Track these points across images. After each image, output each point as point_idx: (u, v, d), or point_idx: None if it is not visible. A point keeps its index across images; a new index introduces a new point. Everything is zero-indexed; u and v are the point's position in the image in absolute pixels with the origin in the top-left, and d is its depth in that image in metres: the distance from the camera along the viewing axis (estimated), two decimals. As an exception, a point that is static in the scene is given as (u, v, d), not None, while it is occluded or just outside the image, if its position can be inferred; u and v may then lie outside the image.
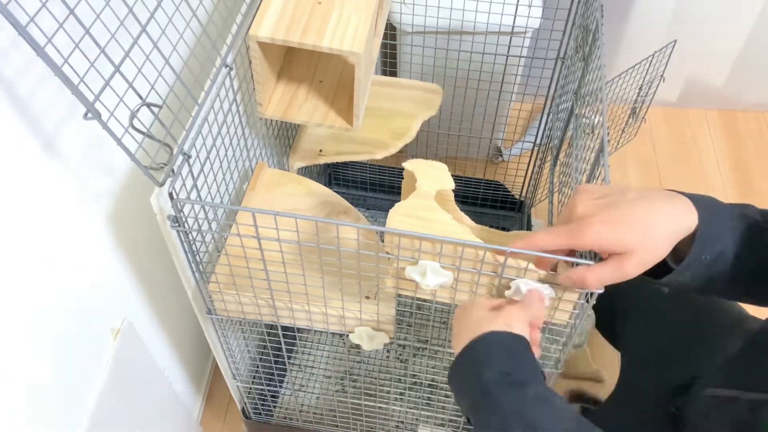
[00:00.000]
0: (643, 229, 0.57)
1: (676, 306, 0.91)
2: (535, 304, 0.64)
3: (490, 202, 1.44)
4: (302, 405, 1.20)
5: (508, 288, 0.66)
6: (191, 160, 0.68)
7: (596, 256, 0.61)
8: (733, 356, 0.72)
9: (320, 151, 1.09)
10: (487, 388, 0.58)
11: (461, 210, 0.75)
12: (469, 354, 0.62)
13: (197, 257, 0.74)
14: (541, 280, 0.64)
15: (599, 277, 0.58)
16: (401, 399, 1.22)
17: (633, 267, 0.57)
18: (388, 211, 0.68)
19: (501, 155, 1.61)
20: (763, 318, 0.68)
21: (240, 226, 0.68)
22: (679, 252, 0.60)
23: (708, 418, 0.69)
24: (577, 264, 0.60)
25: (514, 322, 0.62)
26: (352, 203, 0.93)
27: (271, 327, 1.13)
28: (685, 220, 0.59)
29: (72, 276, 0.74)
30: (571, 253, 0.63)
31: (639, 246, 0.56)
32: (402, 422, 1.20)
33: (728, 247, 0.59)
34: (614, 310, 0.99)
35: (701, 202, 0.59)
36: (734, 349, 0.73)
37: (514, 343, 0.61)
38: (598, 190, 0.61)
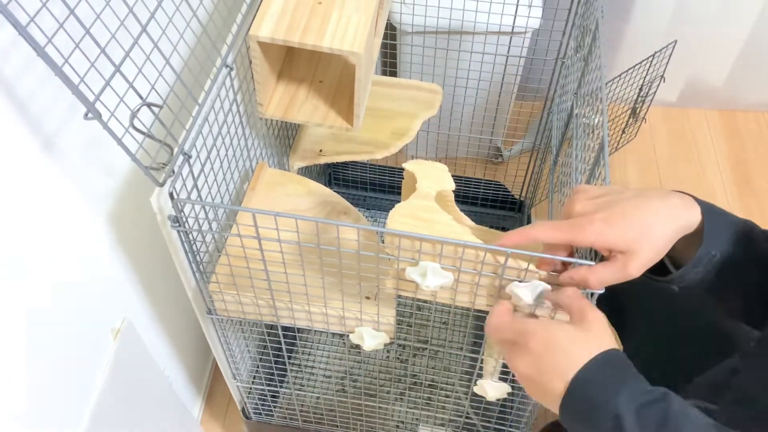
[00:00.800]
0: (643, 227, 0.57)
1: (682, 317, 0.90)
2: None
3: (490, 202, 1.44)
4: (302, 405, 1.20)
5: (519, 283, 0.64)
6: (192, 160, 0.68)
7: (597, 256, 0.61)
8: (723, 378, 0.70)
9: (320, 151, 1.09)
10: (620, 416, 0.52)
11: (461, 210, 0.75)
12: (579, 390, 0.55)
13: (197, 257, 0.74)
14: (543, 281, 0.64)
15: (601, 278, 0.58)
16: (401, 399, 1.22)
17: (635, 267, 0.57)
18: (388, 212, 0.68)
19: (501, 155, 1.61)
20: None
21: (240, 226, 0.68)
22: (676, 256, 0.60)
23: None
24: (579, 264, 0.60)
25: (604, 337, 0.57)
26: (352, 203, 0.93)
27: (271, 327, 1.13)
28: (684, 216, 0.59)
29: (72, 276, 0.74)
30: (572, 254, 0.63)
31: (639, 245, 0.56)
32: (402, 422, 1.20)
33: (736, 251, 0.59)
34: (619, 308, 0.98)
35: (702, 202, 0.60)
36: (725, 370, 0.70)
37: (617, 359, 0.56)
38: (596, 189, 0.61)
